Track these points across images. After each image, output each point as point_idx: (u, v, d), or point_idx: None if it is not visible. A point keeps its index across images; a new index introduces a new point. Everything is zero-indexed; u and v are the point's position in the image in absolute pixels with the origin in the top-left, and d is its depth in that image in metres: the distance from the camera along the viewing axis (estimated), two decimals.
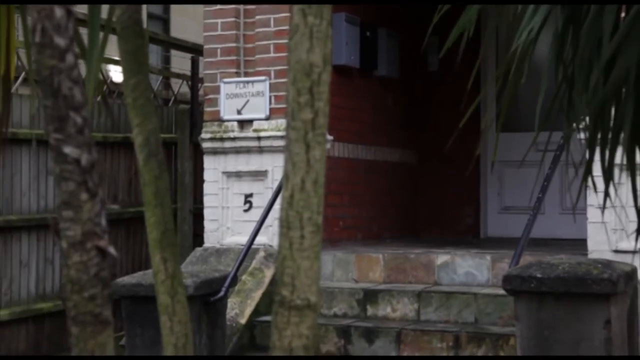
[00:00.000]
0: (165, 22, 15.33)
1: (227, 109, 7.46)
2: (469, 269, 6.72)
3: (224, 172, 7.50)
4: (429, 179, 9.52)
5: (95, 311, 1.62)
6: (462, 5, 2.61)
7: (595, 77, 2.15)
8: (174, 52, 11.99)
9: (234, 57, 7.52)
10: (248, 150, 7.41)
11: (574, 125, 2.36)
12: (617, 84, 2.15)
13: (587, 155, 2.37)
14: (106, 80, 9.24)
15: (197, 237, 8.27)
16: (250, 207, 7.41)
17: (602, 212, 2.38)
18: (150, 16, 14.63)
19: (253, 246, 6.54)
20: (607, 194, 2.43)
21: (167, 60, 13.38)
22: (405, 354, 6.12)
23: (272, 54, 7.36)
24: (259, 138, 7.34)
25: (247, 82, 7.41)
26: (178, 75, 10.45)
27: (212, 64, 7.59)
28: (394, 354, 6.15)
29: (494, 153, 7.66)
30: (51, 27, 1.58)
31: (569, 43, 2.30)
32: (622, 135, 2.28)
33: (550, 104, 2.44)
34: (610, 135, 2.29)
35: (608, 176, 2.37)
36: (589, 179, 2.44)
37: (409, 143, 9.30)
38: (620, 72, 2.10)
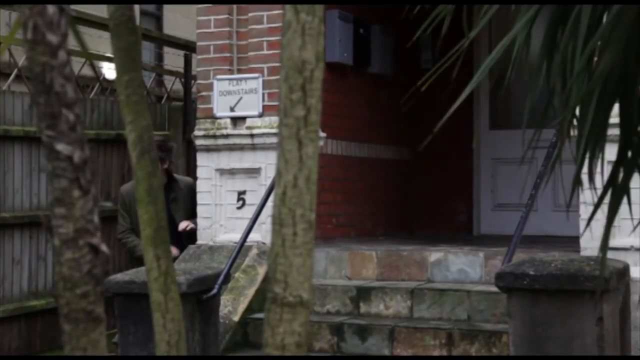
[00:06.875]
0: (158, 19, 15.32)
1: (220, 106, 7.45)
2: (462, 266, 6.73)
3: (217, 170, 7.49)
4: (423, 176, 9.53)
5: (88, 308, 1.62)
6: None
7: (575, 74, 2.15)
8: (167, 49, 11.97)
9: (227, 54, 7.51)
10: (241, 148, 7.40)
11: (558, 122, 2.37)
12: (601, 80, 2.15)
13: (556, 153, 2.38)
14: (99, 77, 9.23)
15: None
16: (244, 204, 7.40)
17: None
18: (143, 13, 14.63)
19: (246, 243, 6.53)
20: (572, 194, 2.44)
21: (160, 57, 13.36)
22: (398, 351, 6.12)
23: (265, 51, 7.35)
24: (252, 135, 7.34)
25: (240, 79, 7.40)
26: (171, 73, 10.44)
27: (205, 61, 7.58)
28: (387, 351, 6.15)
29: None
30: (43, 24, 1.57)
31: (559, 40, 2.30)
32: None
33: (540, 100, 2.45)
34: (584, 132, 2.29)
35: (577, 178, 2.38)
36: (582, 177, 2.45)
37: (402, 140, 9.30)
38: (604, 69, 2.11)
